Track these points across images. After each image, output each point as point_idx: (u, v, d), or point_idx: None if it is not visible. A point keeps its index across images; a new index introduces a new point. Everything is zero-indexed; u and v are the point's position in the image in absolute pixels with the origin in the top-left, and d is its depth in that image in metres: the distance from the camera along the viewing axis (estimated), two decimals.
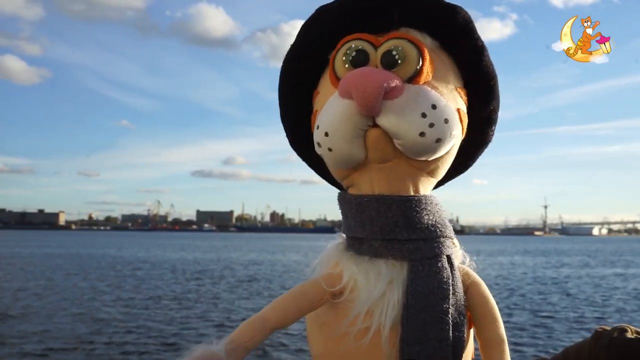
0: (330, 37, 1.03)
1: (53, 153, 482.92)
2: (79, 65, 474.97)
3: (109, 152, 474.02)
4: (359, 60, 0.97)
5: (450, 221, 1.05)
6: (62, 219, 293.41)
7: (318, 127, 0.98)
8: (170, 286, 18.17)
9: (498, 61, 1.10)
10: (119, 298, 14.99)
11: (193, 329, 10.63)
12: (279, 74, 1.11)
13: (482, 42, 1.04)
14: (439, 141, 0.93)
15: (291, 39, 1.08)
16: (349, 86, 0.91)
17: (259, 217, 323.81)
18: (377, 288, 0.94)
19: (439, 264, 0.96)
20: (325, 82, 1.04)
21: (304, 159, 1.17)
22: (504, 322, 1.06)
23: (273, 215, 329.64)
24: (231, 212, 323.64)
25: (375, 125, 0.92)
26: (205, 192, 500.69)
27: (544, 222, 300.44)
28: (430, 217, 0.97)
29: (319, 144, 0.99)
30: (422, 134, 0.91)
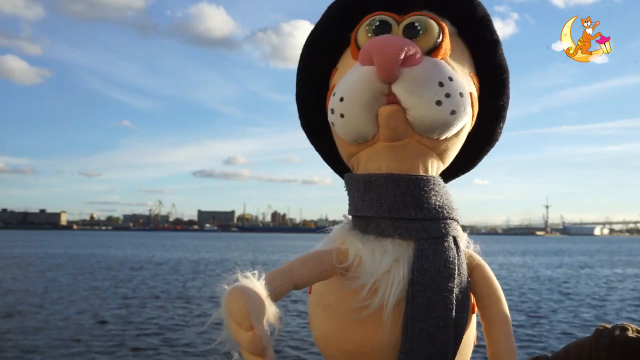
0: (353, 16, 1.05)
1: (54, 153, 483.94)
2: (80, 65, 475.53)
3: (110, 152, 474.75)
4: (382, 30, 0.99)
5: None
6: (63, 219, 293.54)
7: (334, 94, 0.99)
8: (171, 285, 18.14)
9: None
10: (120, 297, 14.97)
11: (195, 328, 10.65)
12: (299, 55, 1.12)
13: (497, 36, 1.07)
14: (453, 113, 0.94)
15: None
16: (369, 50, 0.92)
17: (260, 217, 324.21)
18: (382, 264, 0.94)
19: (445, 244, 0.96)
20: (345, 59, 1.06)
21: (313, 143, 1.18)
22: None
23: (274, 215, 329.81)
24: (233, 212, 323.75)
25: (389, 103, 0.93)
26: (207, 192, 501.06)
27: (546, 222, 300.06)
28: (438, 198, 0.98)
29: (332, 110, 0.99)
30: (438, 103, 0.92)
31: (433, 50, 0.97)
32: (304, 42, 1.11)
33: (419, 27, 0.97)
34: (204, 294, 16.20)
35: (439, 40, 0.98)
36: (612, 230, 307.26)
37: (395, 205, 0.95)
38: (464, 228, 1.04)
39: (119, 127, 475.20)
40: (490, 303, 1.03)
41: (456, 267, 0.95)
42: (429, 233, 0.95)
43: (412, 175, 0.96)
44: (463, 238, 1.03)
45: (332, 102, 0.99)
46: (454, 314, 0.94)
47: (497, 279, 1.06)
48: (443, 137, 0.98)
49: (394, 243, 0.95)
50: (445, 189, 1.01)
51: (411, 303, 0.93)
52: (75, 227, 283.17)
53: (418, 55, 0.93)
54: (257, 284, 0.79)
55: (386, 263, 0.94)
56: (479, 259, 1.06)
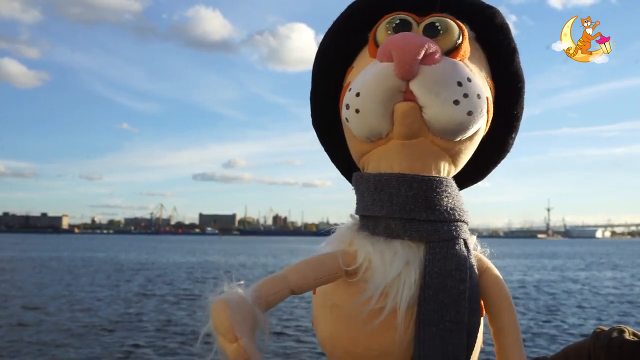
0: (372, 16, 1.05)
1: (55, 156, 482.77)
2: (79, 68, 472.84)
3: (111, 155, 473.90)
4: (402, 28, 0.99)
5: None
6: (65, 223, 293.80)
7: (350, 89, 0.98)
8: (174, 287, 18.24)
9: None
10: (123, 298, 15.09)
11: (197, 327, 10.76)
12: (316, 49, 1.13)
13: (515, 45, 1.07)
14: (470, 114, 0.93)
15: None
16: (389, 45, 0.92)
17: (261, 221, 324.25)
18: (393, 268, 0.93)
19: (456, 247, 0.95)
20: (362, 57, 1.05)
21: (322, 142, 1.19)
22: None
23: (276, 218, 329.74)
24: (234, 215, 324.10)
25: (406, 100, 0.92)
26: (208, 195, 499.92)
27: (548, 224, 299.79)
28: (450, 200, 0.97)
29: (347, 106, 0.98)
30: (456, 102, 0.91)
31: (452, 51, 0.97)
32: (321, 40, 1.12)
33: (439, 27, 0.97)
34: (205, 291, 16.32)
35: (459, 41, 0.98)
36: (614, 233, 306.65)
37: (407, 206, 0.93)
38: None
39: (119, 130, 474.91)
40: (501, 309, 1.02)
41: (467, 270, 0.94)
42: (440, 235, 0.94)
43: (425, 175, 0.95)
44: (472, 240, 1.03)
45: (348, 97, 0.97)
46: (466, 318, 0.93)
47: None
48: (457, 139, 0.97)
49: (404, 245, 0.94)
50: (457, 190, 1.00)
51: (423, 307, 0.91)
52: (77, 230, 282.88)
53: (438, 54, 0.92)
54: (243, 294, 0.80)
55: (397, 267, 0.92)
56: (488, 262, 1.06)
